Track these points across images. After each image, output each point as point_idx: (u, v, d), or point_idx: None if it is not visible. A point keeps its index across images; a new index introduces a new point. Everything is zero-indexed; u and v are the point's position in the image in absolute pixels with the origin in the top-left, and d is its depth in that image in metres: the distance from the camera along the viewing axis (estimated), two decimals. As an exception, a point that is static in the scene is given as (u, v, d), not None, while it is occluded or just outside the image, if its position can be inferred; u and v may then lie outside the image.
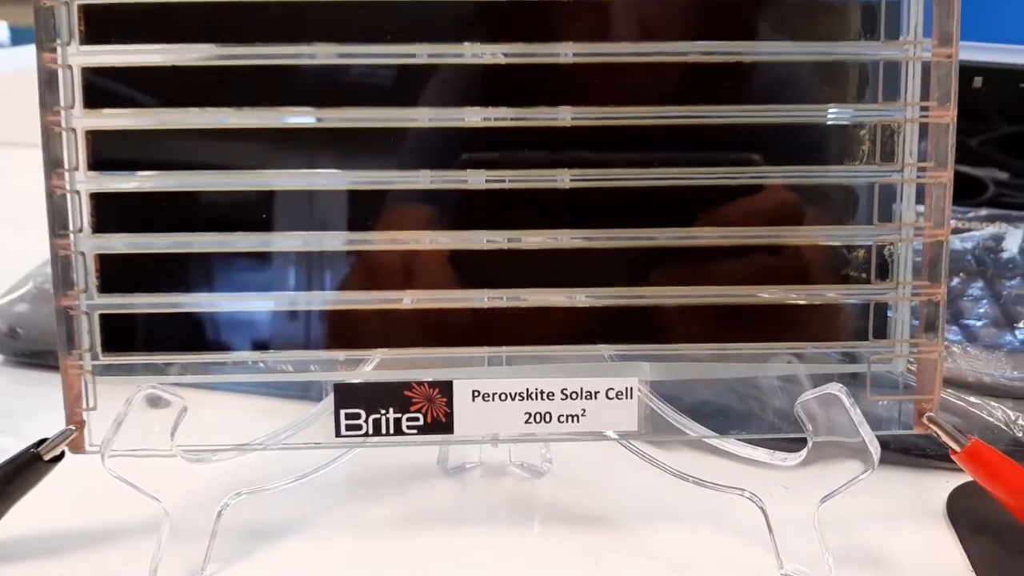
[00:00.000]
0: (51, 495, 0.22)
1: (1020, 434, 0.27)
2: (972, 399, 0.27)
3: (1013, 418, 0.27)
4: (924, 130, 0.22)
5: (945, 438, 0.22)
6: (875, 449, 0.20)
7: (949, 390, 0.28)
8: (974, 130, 0.47)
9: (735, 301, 0.22)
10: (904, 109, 0.21)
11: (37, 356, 0.33)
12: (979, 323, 0.31)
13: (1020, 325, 0.31)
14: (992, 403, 0.27)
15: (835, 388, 0.21)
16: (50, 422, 0.23)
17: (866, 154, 0.21)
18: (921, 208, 0.22)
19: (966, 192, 0.49)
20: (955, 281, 0.34)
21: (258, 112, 0.21)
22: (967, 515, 0.24)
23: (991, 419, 0.27)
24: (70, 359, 0.22)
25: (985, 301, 0.33)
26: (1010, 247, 0.36)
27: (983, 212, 0.39)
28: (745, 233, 0.22)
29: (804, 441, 0.21)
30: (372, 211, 0.22)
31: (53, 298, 0.27)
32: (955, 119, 0.21)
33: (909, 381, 0.23)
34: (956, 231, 0.38)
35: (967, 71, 0.38)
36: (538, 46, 0.21)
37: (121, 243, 0.22)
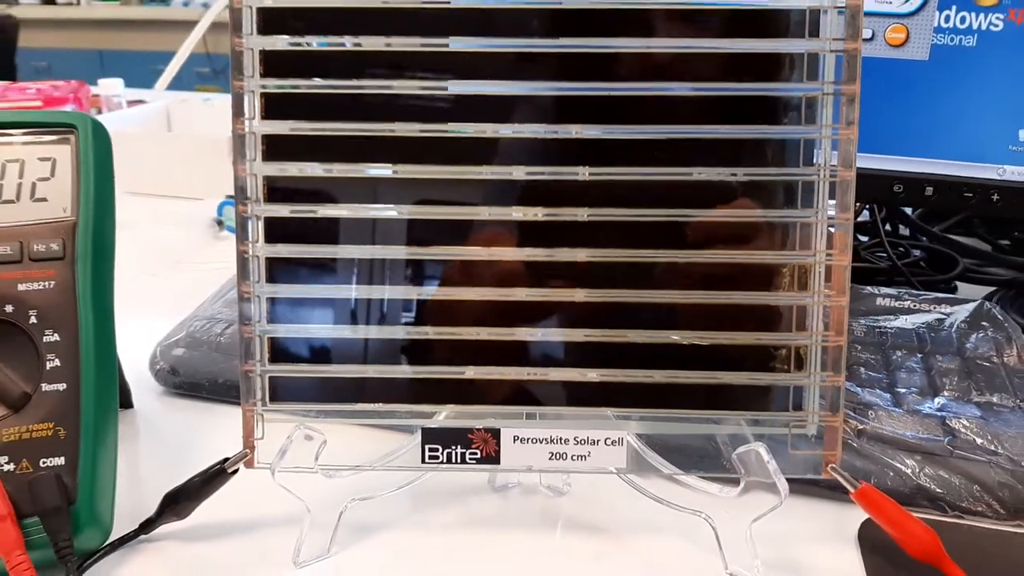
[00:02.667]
0: (224, 496, 0.33)
1: (923, 481, 0.35)
2: (889, 452, 0.36)
3: (918, 469, 0.36)
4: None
5: (843, 482, 0.31)
6: (784, 488, 0.30)
7: (874, 443, 0.37)
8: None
9: (697, 381, 0.31)
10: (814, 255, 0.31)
11: (191, 388, 0.44)
12: (908, 391, 0.40)
13: (941, 395, 0.40)
14: (904, 456, 0.36)
15: (759, 446, 0.30)
16: (203, 437, 0.34)
17: (787, 279, 0.31)
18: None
19: (941, 267, 0.58)
20: (897, 355, 0.43)
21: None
22: (871, 540, 0.33)
23: (903, 468, 0.36)
24: (247, 405, 0.32)
25: (918, 373, 0.42)
26: (949, 328, 0.45)
27: (933, 296, 0.48)
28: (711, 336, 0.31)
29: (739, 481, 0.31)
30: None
31: (210, 344, 0.38)
32: (851, 220, 0.30)
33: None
34: (908, 311, 0.46)
35: (918, 181, 0.47)
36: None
37: (284, 330, 0.32)
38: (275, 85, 0.32)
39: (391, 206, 0.32)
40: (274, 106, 0.32)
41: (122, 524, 0.33)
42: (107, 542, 0.33)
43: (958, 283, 0.59)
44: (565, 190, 0.31)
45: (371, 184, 0.32)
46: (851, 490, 0.31)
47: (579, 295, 0.31)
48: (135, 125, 0.90)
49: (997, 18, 0.45)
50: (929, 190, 0.47)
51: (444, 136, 0.32)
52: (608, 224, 0.31)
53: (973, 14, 0.45)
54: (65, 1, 3.98)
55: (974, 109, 0.46)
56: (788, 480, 0.31)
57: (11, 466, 0.31)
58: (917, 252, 0.60)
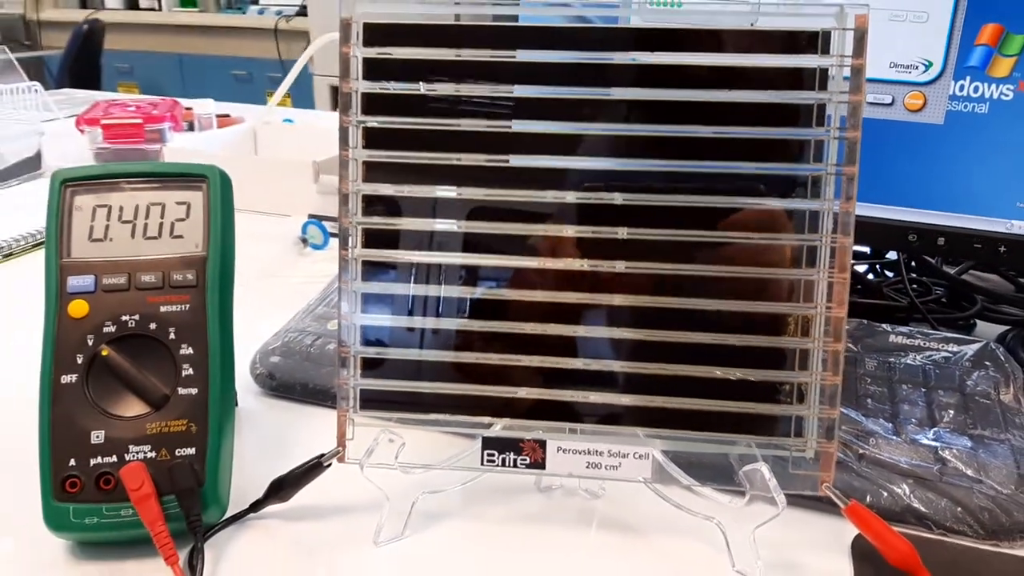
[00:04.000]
0: (319, 485, 0.40)
1: (912, 502, 0.41)
2: (885, 475, 0.42)
3: (909, 491, 0.41)
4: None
5: (835, 499, 0.37)
6: (782, 502, 0.36)
7: (872, 467, 0.42)
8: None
9: (714, 408, 0.38)
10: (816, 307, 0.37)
11: (286, 391, 0.52)
12: (908, 422, 0.45)
13: (938, 427, 0.45)
14: (898, 479, 0.42)
15: (762, 465, 0.36)
16: (295, 432, 0.41)
17: (792, 326, 0.37)
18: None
19: (961, 305, 0.62)
20: (903, 389, 0.48)
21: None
22: (862, 550, 0.39)
23: (896, 489, 0.41)
24: (341, 411, 0.39)
25: (920, 406, 0.47)
26: (954, 366, 0.50)
27: (942, 335, 0.53)
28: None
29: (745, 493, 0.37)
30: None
31: (301, 354, 0.46)
32: (847, 279, 0.36)
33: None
34: (918, 349, 0.51)
35: (932, 232, 0.52)
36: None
37: (373, 352, 0.39)
38: (374, 121, 0.39)
39: (458, 222, 0.38)
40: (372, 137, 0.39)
41: (233, 504, 0.41)
42: (224, 517, 0.40)
43: (978, 321, 0.63)
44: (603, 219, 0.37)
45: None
46: (842, 506, 0.37)
47: (618, 333, 0.37)
48: (227, 145, 1.00)
49: (1008, 88, 0.50)
50: (941, 240, 0.52)
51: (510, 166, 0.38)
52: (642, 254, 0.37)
53: (985, 84, 0.50)
54: (148, 6, 4.18)
55: (985, 169, 0.51)
56: (789, 495, 0.37)
57: (153, 454, 0.38)
58: (940, 290, 0.64)
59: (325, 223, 0.79)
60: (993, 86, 0.50)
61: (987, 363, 0.50)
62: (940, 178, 0.52)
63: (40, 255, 0.76)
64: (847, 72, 0.35)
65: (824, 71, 0.36)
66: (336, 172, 0.75)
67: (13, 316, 0.64)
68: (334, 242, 0.79)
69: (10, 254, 0.77)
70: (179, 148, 0.92)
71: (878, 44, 0.51)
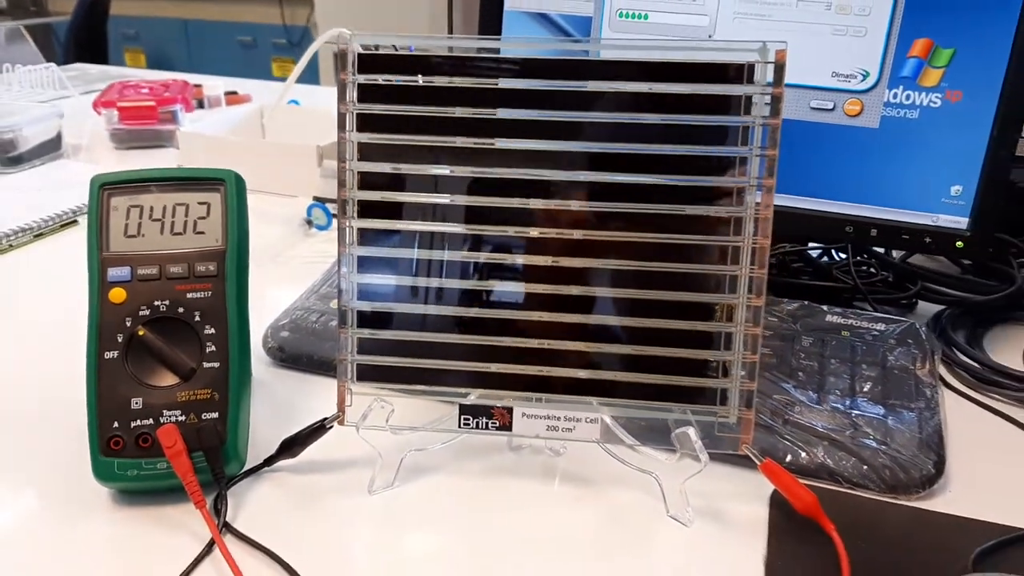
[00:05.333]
0: (322, 443, 0.48)
1: (825, 461, 0.48)
2: (804, 437, 0.49)
3: (823, 452, 0.48)
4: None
5: (752, 457, 0.44)
6: (705, 458, 0.43)
7: (794, 430, 0.49)
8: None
9: (654, 381, 0.45)
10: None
11: (293, 362, 0.59)
12: (831, 392, 0.52)
13: (857, 397, 0.52)
14: (815, 441, 0.49)
15: (690, 429, 0.43)
16: (302, 398, 0.48)
17: (720, 313, 0.44)
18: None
19: (903, 286, 0.69)
20: (832, 363, 0.55)
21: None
22: (779, 500, 0.46)
23: (813, 450, 0.48)
24: (341, 382, 0.47)
25: (845, 378, 0.54)
26: (880, 343, 0.57)
27: (873, 315, 0.59)
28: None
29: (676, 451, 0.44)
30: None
31: (306, 329, 0.52)
32: (765, 274, 0.43)
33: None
34: (851, 328, 0.58)
35: (866, 224, 0.59)
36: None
37: (368, 332, 0.46)
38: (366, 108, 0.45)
39: (447, 195, 0.45)
40: (365, 122, 0.45)
41: (250, 459, 0.48)
42: (243, 470, 0.48)
43: (920, 300, 0.70)
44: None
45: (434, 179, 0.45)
46: (758, 463, 0.44)
47: (574, 319, 0.44)
48: (236, 127, 1.06)
49: (936, 96, 0.56)
50: (874, 232, 0.59)
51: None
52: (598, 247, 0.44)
53: (916, 93, 0.56)
54: (152, -29, 4.19)
55: (915, 169, 0.57)
56: (716, 454, 0.45)
57: (183, 418, 0.46)
58: (886, 272, 0.71)
59: (328, 205, 0.86)
60: (923, 94, 0.56)
61: (910, 340, 0.57)
62: (874, 176, 0.58)
63: (68, 234, 0.83)
64: (768, 99, 0.42)
65: (749, 98, 0.42)
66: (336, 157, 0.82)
67: (53, 292, 0.71)
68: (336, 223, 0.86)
69: (40, 234, 0.84)
70: (193, 132, 0.98)
71: (822, 56, 0.57)
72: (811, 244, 0.72)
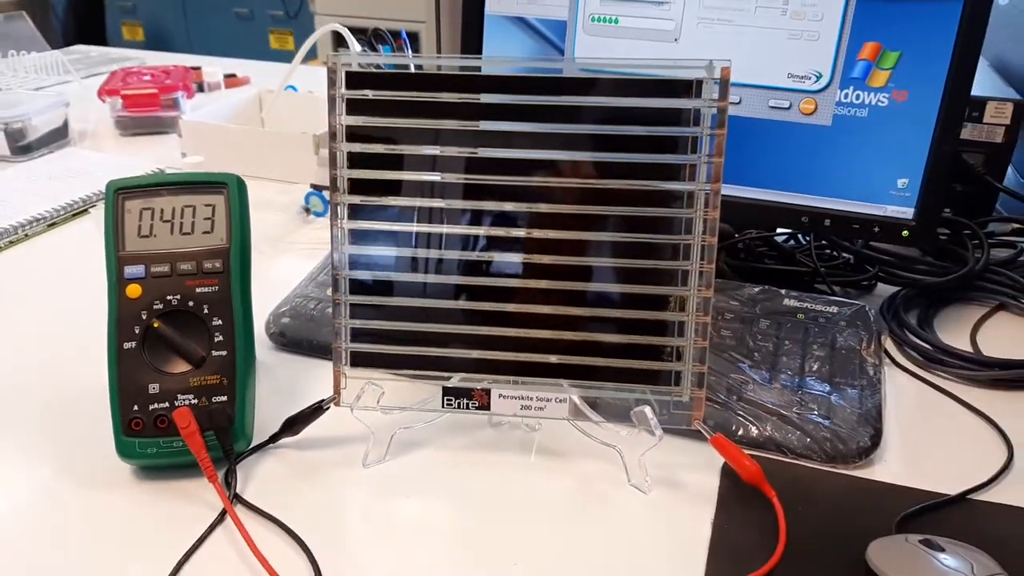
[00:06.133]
0: (321, 422, 0.53)
1: (773, 434, 0.53)
2: (754, 413, 0.54)
3: (771, 426, 0.53)
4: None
5: (703, 432, 0.49)
6: (660, 433, 0.48)
7: (745, 406, 0.55)
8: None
9: (616, 365, 0.50)
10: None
11: (294, 346, 0.64)
12: (783, 372, 0.57)
13: (806, 376, 0.57)
14: (764, 416, 0.54)
15: (646, 407, 0.48)
16: (302, 380, 0.54)
17: (673, 303, 0.49)
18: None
19: (860, 269, 0.74)
20: (785, 344, 0.60)
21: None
22: (728, 470, 0.51)
23: (761, 424, 0.54)
24: (336, 368, 0.52)
25: (795, 358, 0.59)
26: (831, 325, 0.62)
27: (827, 299, 0.64)
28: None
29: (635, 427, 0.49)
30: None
31: (305, 316, 0.58)
32: (713, 268, 0.48)
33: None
34: (806, 311, 0.63)
35: (819, 214, 0.63)
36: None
37: (360, 322, 0.51)
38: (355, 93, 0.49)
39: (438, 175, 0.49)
40: (354, 106, 0.50)
41: (256, 436, 0.54)
42: (250, 447, 0.53)
43: (880, 283, 0.75)
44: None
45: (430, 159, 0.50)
46: (708, 437, 0.49)
47: (545, 309, 0.49)
48: (235, 114, 1.10)
49: (884, 96, 0.60)
50: (828, 221, 0.63)
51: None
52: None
53: (865, 92, 0.61)
54: (149, -57, 4.17)
55: (865, 163, 0.62)
56: (671, 429, 0.50)
57: (196, 401, 0.51)
58: (848, 256, 0.76)
59: (325, 192, 0.91)
60: (872, 94, 0.61)
61: (859, 322, 0.62)
62: (828, 170, 0.63)
63: (80, 223, 0.88)
64: (714, 111, 0.46)
65: (697, 111, 0.46)
66: None
67: (69, 280, 0.76)
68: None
69: (53, 223, 0.89)
70: (194, 121, 1.02)
71: (779, 58, 0.61)
72: (778, 230, 0.77)
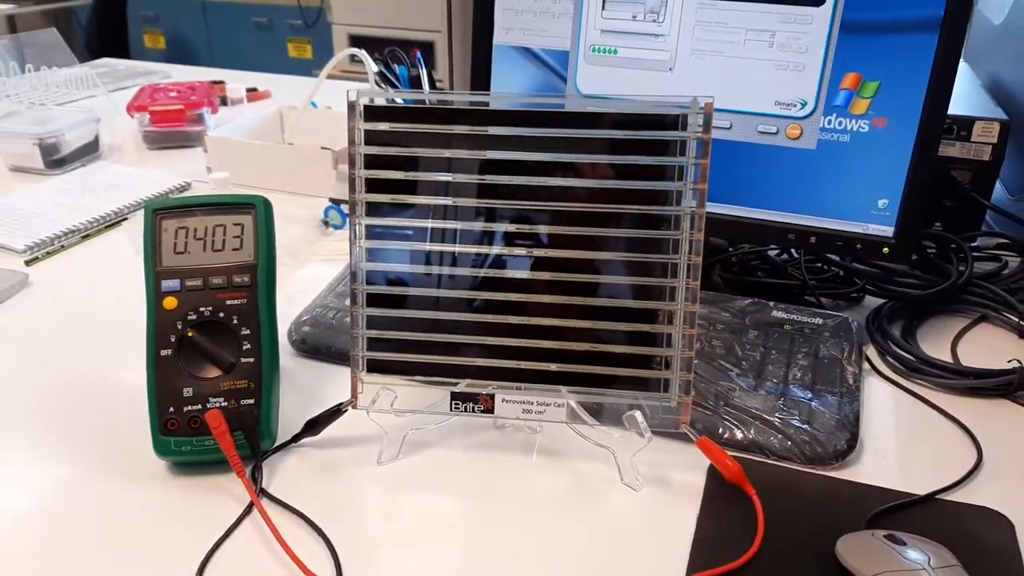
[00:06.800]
0: (339, 424, 0.58)
1: (756, 437, 0.57)
2: (739, 417, 0.58)
3: (755, 430, 0.58)
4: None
5: (690, 434, 0.54)
6: (649, 435, 0.52)
7: (731, 411, 0.59)
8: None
9: (611, 373, 0.54)
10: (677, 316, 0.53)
11: (314, 353, 0.69)
12: (768, 379, 0.62)
13: (790, 384, 0.61)
14: (748, 420, 0.58)
15: (636, 412, 0.53)
16: (321, 384, 0.58)
17: (662, 316, 0.53)
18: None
19: (846, 282, 0.78)
20: (772, 353, 0.64)
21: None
22: (713, 470, 0.56)
23: (746, 428, 0.58)
24: (354, 374, 0.57)
25: (781, 367, 0.63)
26: (816, 336, 0.66)
27: (813, 311, 0.68)
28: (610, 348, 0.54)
29: (628, 430, 0.54)
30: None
31: (325, 324, 0.62)
32: (698, 285, 0.52)
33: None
34: (792, 322, 0.67)
35: (805, 232, 0.67)
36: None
37: (377, 332, 0.56)
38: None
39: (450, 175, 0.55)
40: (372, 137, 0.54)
41: (280, 436, 0.58)
42: (275, 446, 0.58)
43: (868, 295, 0.79)
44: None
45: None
46: (694, 439, 0.54)
47: (546, 322, 0.54)
48: (258, 130, 1.15)
49: (864, 123, 0.65)
50: (813, 239, 0.67)
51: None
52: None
53: (847, 119, 0.65)
54: (170, -47, 4.26)
55: (847, 184, 0.66)
56: (660, 432, 0.54)
57: (226, 403, 0.56)
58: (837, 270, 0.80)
59: (343, 206, 0.96)
60: (853, 121, 0.65)
61: (841, 334, 0.66)
62: (813, 191, 0.67)
63: (112, 234, 0.93)
64: (699, 142, 0.51)
65: (683, 142, 0.51)
66: None
67: (104, 291, 0.81)
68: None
69: (87, 235, 0.94)
70: (220, 137, 1.08)
71: (767, 87, 0.66)
72: (771, 245, 0.81)
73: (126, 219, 0.98)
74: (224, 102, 1.43)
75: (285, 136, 1.20)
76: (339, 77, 2.10)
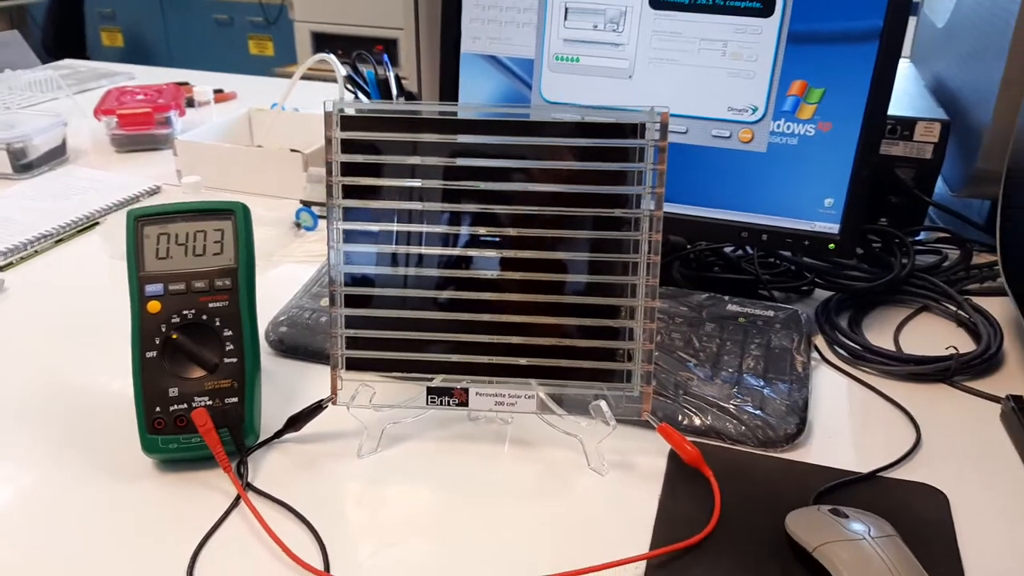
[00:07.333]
0: (320, 419, 0.61)
1: (714, 423, 0.61)
2: (697, 405, 0.62)
3: (712, 416, 0.62)
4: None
5: (651, 421, 0.57)
6: (613, 423, 0.56)
7: (689, 399, 0.63)
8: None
9: (577, 365, 0.58)
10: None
11: (291, 352, 0.72)
12: (724, 369, 0.66)
13: (744, 372, 0.65)
14: (706, 408, 0.62)
15: (601, 401, 0.57)
16: (299, 383, 0.61)
17: (624, 312, 0.57)
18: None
19: (797, 276, 0.82)
20: (727, 344, 0.68)
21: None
22: (674, 455, 0.59)
23: (704, 415, 0.62)
24: (334, 372, 0.59)
25: (735, 357, 0.67)
26: (768, 328, 0.70)
27: (764, 304, 0.73)
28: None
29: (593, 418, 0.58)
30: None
31: (301, 324, 0.65)
32: (657, 283, 0.56)
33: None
34: (746, 315, 0.72)
35: (757, 230, 0.72)
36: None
37: (353, 331, 0.59)
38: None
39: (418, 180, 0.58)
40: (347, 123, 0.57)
41: (263, 432, 0.61)
42: (258, 442, 0.61)
43: (817, 288, 0.83)
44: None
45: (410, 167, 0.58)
46: (655, 425, 0.57)
47: (515, 319, 0.57)
48: (226, 133, 1.17)
49: (811, 127, 0.69)
50: (765, 236, 0.72)
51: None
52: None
53: (795, 124, 0.69)
54: (126, -51, 4.20)
55: (795, 184, 0.70)
56: (624, 420, 0.58)
57: (211, 402, 0.58)
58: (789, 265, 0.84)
59: (314, 208, 0.98)
60: (801, 125, 0.69)
61: (791, 325, 0.70)
62: (764, 191, 0.71)
63: (86, 238, 0.94)
64: (655, 149, 0.54)
65: (642, 149, 0.55)
66: (321, 163, 0.96)
67: (82, 294, 0.83)
68: (323, 224, 0.98)
69: (60, 239, 0.95)
70: (190, 141, 1.09)
71: (719, 94, 0.70)
72: (726, 243, 0.85)
73: (99, 223, 0.99)
74: (191, 104, 1.44)
75: (254, 139, 1.21)
76: (306, 77, 2.11)
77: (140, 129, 1.25)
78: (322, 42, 3.30)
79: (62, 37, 3.88)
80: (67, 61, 1.83)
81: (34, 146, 1.15)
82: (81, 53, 3.79)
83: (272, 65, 3.80)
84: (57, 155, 1.19)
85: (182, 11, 4.06)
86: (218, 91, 1.52)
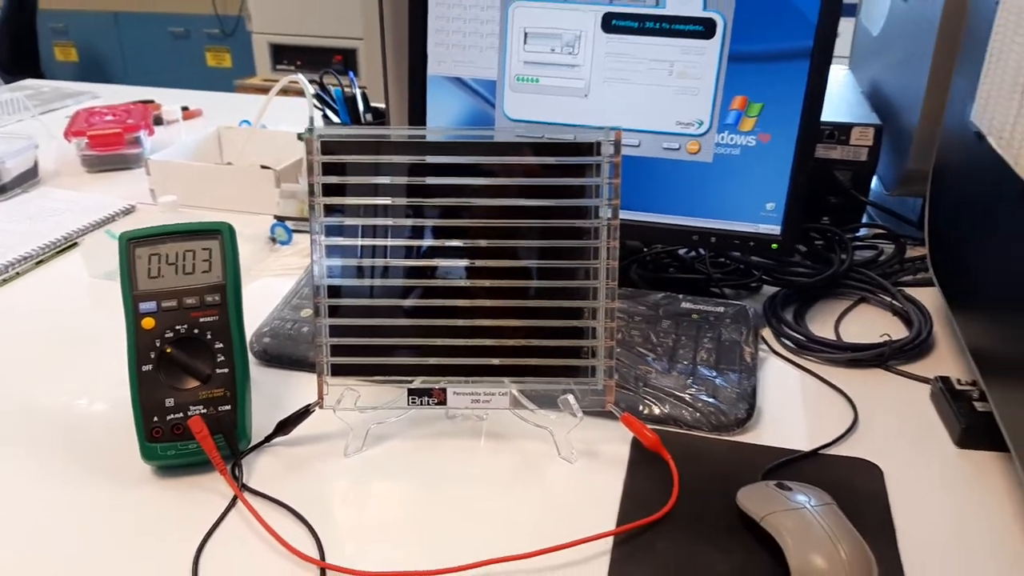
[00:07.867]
0: (308, 423, 0.65)
1: (671, 412, 0.67)
2: (656, 395, 0.68)
3: (669, 405, 0.67)
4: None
5: (614, 411, 0.63)
6: (580, 415, 0.62)
7: (649, 391, 0.69)
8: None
9: (546, 363, 0.63)
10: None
11: (276, 361, 0.76)
12: (679, 362, 0.72)
13: (698, 364, 0.71)
14: (664, 397, 0.68)
15: (569, 395, 0.62)
16: (283, 390, 0.66)
17: (587, 313, 0.62)
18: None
19: (746, 274, 0.88)
20: (682, 339, 0.74)
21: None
22: (637, 442, 0.65)
23: (663, 404, 0.67)
24: (320, 378, 0.64)
25: (689, 350, 0.73)
26: (718, 323, 0.76)
27: (716, 301, 0.79)
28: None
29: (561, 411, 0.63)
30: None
31: (284, 335, 0.70)
32: (616, 286, 0.61)
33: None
34: (699, 312, 0.78)
35: (706, 233, 0.78)
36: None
37: (337, 337, 0.64)
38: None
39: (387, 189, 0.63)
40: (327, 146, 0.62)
41: (255, 437, 0.65)
42: (251, 446, 0.65)
43: (765, 284, 0.90)
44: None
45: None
46: (618, 415, 0.63)
47: (488, 322, 0.62)
48: (197, 151, 1.20)
49: (752, 139, 0.75)
50: (713, 239, 0.78)
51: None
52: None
53: (738, 135, 0.75)
54: (78, -37, 4.16)
55: (739, 191, 0.77)
56: (590, 412, 0.64)
57: (205, 411, 0.62)
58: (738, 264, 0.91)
59: (288, 223, 1.02)
60: (743, 137, 0.75)
61: (740, 319, 0.77)
62: (711, 197, 0.78)
63: (65, 258, 0.98)
64: (610, 165, 0.60)
65: (598, 165, 0.60)
66: (293, 179, 1.00)
67: (66, 314, 0.86)
68: (297, 238, 1.02)
69: (41, 260, 0.98)
70: (162, 161, 1.12)
71: (668, 109, 0.75)
72: (679, 246, 0.91)
73: (77, 243, 1.02)
74: (159, 122, 1.47)
75: (223, 156, 1.25)
76: (269, 92, 2.13)
77: (111, 149, 1.27)
78: (280, 53, 3.32)
79: (15, 52, 3.84)
80: (29, 81, 1.84)
81: (6, 169, 1.17)
82: (36, 69, 3.75)
83: (230, 77, 3.80)
84: (30, 177, 1.21)
85: (137, 25, 4.04)
86: (184, 108, 1.54)
